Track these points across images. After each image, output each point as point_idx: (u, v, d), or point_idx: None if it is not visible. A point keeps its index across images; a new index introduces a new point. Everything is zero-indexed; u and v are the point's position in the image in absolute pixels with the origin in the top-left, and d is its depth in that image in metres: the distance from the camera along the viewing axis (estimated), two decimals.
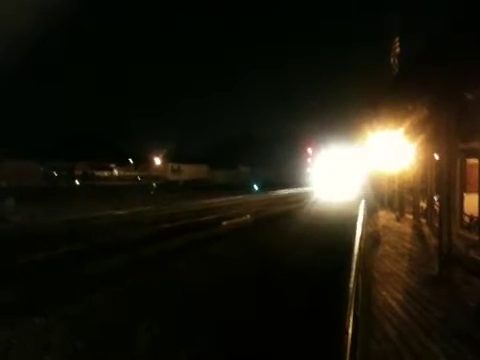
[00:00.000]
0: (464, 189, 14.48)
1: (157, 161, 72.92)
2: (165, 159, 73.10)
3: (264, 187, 54.57)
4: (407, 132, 15.14)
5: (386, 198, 24.90)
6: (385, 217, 19.71)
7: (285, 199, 37.10)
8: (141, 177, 68.50)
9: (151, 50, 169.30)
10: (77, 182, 56.95)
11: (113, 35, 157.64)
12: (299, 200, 35.71)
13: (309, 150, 55.73)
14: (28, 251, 12.03)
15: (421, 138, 14.86)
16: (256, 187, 57.07)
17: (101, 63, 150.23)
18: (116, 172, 69.29)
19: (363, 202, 20.92)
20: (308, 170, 54.14)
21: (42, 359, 5.47)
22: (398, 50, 21.74)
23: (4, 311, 7.17)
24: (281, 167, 78.94)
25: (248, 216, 22.33)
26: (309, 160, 54.62)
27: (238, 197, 37.00)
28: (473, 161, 15.09)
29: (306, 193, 42.94)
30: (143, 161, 74.16)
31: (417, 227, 16.08)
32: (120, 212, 22.97)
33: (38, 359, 5.48)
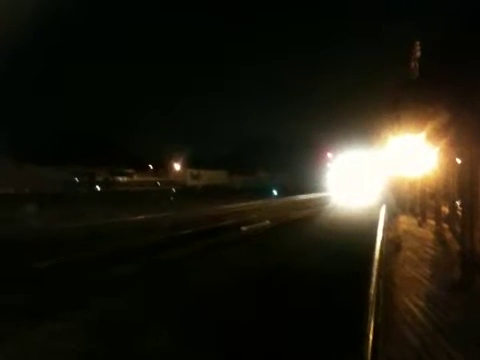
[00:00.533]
0: None
1: (176, 167, 73.46)
2: (184, 165, 73.59)
3: (283, 192, 54.45)
4: (429, 136, 14.96)
5: (407, 203, 24.61)
6: (406, 222, 19.47)
7: (305, 204, 36.93)
8: (160, 183, 69.01)
9: (163, 51, 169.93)
10: (98, 188, 57.68)
11: (122, 37, 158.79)
12: (318, 205, 35.55)
13: (328, 155, 55.49)
14: (47, 256, 12.19)
15: (443, 142, 14.65)
16: (275, 192, 56.98)
17: (114, 65, 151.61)
18: (136, 178, 69.93)
19: (384, 207, 20.72)
20: (327, 175, 53.86)
21: None
22: (418, 54, 21.50)
23: (23, 315, 7.26)
24: (300, 172, 78.65)
25: (267, 221, 22.30)
26: (328, 165, 54.36)
27: (257, 202, 37.00)
28: None
29: (326, 198, 42.73)
30: (162, 167, 74.78)
31: (439, 232, 15.85)
32: (141, 217, 23.18)
33: None
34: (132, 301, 8.16)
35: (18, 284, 9.38)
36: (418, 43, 21.61)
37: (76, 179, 57.79)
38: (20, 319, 7.02)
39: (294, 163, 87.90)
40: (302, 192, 53.88)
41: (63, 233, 17.50)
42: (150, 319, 7.14)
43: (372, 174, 45.50)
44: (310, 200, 42.30)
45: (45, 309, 7.60)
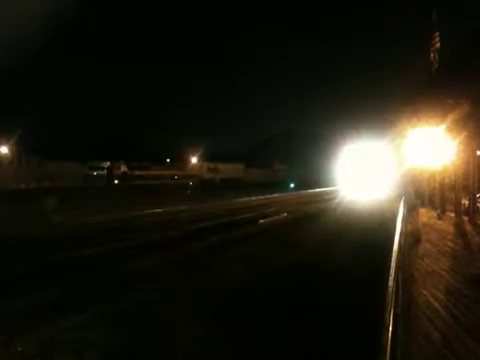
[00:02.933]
0: None
1: (193, 160, 73.58)
2: (201, 158, 73.66)
3: (300, 185, 54.32)
4: (448, 128, 14.81)
5: (427, 195, 24.36)
6: (426, 215, 19.29)
7: (322, 197, 36.84)
8: (177, 176, 69.26)
9: (183, 49, 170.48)
10: (116, 182, 58.19)
11: (143, 34, 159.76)
12: (336, 198, 35.37)
13: (344, 148, 54.90)
14: (68, 250, 12.37)
15: (463, 134, 14.50)
16: (292, 185, 56.90)
17: (135, 62, 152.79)
18: (153, 171, 70.32)
19: (402, 200, 20.54)
20: (344, 168, 53.40)
21: (83, 356, 5.61)
22: (438, 45, 21.12)
23: (46, 308, 7.39)
24: (318, 165, 78.21)
25: (285, 214, 22.30)
26: (345, 158, 53.84)
27: (274, 195, 36.99)
28: None
29: (343, 191, 42.48)
30: (179, 160, 74.98)
31: (459, 225, 15.69)
32: (158, 211, 23.34)
33: (79, 356, 5.62)
34: (152, 297, 8.22)
35: (46, 278, 9.58)
36: (437, 34, 21.23)
37: (94, 173, 58.38)
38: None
39: (312, 156, 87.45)
40: (319, 185, 53.67)
41: (80, 228, 17.70)
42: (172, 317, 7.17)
43: (390, 167, 45.00)
44: (328, 193, 42.15)
45: (64, 302, 7.78)
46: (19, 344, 5.65)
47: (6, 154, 48.73)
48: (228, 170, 74.69)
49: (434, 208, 20.90)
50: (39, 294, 8.03)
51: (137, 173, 63.95)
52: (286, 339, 5.99)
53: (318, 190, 47.27)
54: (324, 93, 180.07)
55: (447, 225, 16.00)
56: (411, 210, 19.55)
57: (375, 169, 47.29)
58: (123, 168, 61.64)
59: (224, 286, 8.79)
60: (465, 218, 16.53)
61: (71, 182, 47.75)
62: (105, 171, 59.01)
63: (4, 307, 7.18)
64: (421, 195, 25.20)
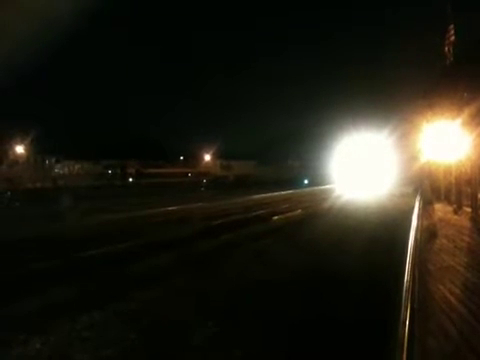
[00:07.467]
0: None
1: (207, 158, 73.77)
2: (214, 156, 73.81)
3: (314, 181, 54.13)
4: (464, 121, 14.62)
5: (442, 190, 24.09)
6: (442, 210, 19.07)
7: (336, 193, 36.63)
8: (191, 174, 69.52)
9: (186, 49, 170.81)
10: (130, 180, 58.64)
11: (148, 32, 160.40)
12: (349, 194, 35.16)
13: (356, 144, 54.50)
14: (84, 248, 12.51)
15: (479, 127, 14.31)
16: (306, 181, 56.72)
17: (140, 59, 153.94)
18: (167, 169, 70.66)
19: (418, 195, 20.35)
20: (355, 163, 52.97)
21: (100, 353, 5.68)
22: (453, 38, 20.78)
23: (64, 305, 7.50)
24: (331, 161, 77.79)
25: (298, 211, 22.25)
26: (356, 153, 53.43)
27: (288, 192, 36.88)
28: None
29: (356, 187, 42.21)
30: (193, 158, 75.23)
31: (476, 220, 15.48)
32: (173, 208, 23.44)
33: (96, 353, 5.69)
34: (164, 293, 8.28)
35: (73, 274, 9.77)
36: (452, 27, 20.90)
37: (109, 171, 58.93)
38: None
39: (323, 153, 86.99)
40: (333, 181, 53.38)
41: (102, 225, 17.85)
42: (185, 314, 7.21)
43: (404, 161, 44.65)
44: (341, 188, 41.90)
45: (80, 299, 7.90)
46: None
47: (22, 154, 49.36)
48: (241, 167, 74.79)
49: (450, 203, 20.66)
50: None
51: (151, 171, 64.33)
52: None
53: (331, 186, 47.00)
54: (329, 92, 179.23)
55: (463, 220, 15.80)
56: (427, 205, 19.36)
57: (390, 164, 47.00)
58: (137, 166, 62.02)
59: (237, 284, 8.82)
60: None
61: (86, 181, 48.23)
62: (119, 170, 59.49)
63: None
64: (437, 190, 24.94)
